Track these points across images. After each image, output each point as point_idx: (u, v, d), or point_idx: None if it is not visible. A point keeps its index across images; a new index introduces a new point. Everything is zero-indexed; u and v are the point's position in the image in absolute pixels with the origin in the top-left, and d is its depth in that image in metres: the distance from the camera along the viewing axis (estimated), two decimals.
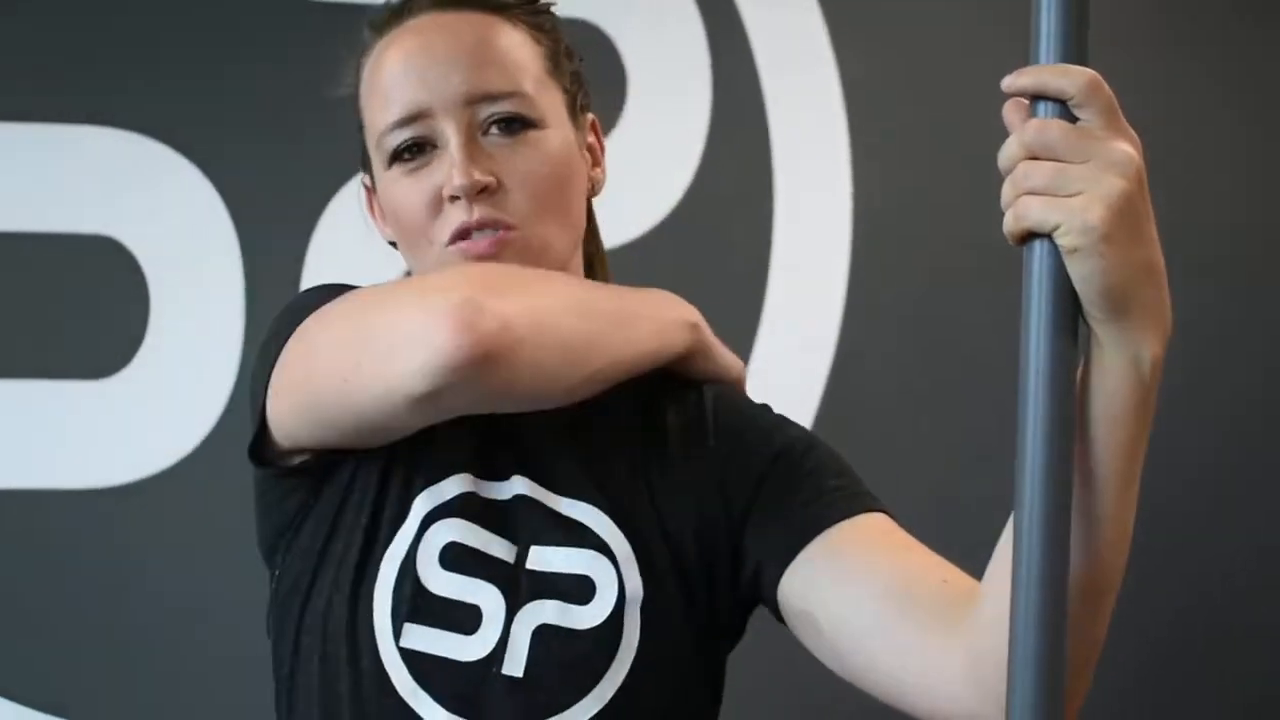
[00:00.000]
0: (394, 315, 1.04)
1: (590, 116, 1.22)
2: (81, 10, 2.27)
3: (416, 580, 1.09)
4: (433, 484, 1.11)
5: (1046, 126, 0.85)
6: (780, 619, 1.13)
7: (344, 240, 2.27)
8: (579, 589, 1.10)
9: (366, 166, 1.22)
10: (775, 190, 2.35)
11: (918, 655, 1.02)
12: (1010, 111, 0.87)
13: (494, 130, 1.13)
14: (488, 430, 1.13)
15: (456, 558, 1.09)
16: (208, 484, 2.23)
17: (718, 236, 2.32)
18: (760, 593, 1.14)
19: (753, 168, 2.36)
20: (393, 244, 1.21)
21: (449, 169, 1.11)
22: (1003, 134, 0.87)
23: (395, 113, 1.13)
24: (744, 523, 1.13)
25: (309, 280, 2.26)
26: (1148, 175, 0.87)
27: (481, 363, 1.00)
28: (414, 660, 1.08)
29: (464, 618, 1.09)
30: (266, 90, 2.28)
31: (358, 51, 1.20)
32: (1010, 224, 0.86)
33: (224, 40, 2.29)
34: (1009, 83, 0.87)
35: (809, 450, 1.16)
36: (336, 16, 2.27)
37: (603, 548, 1.11)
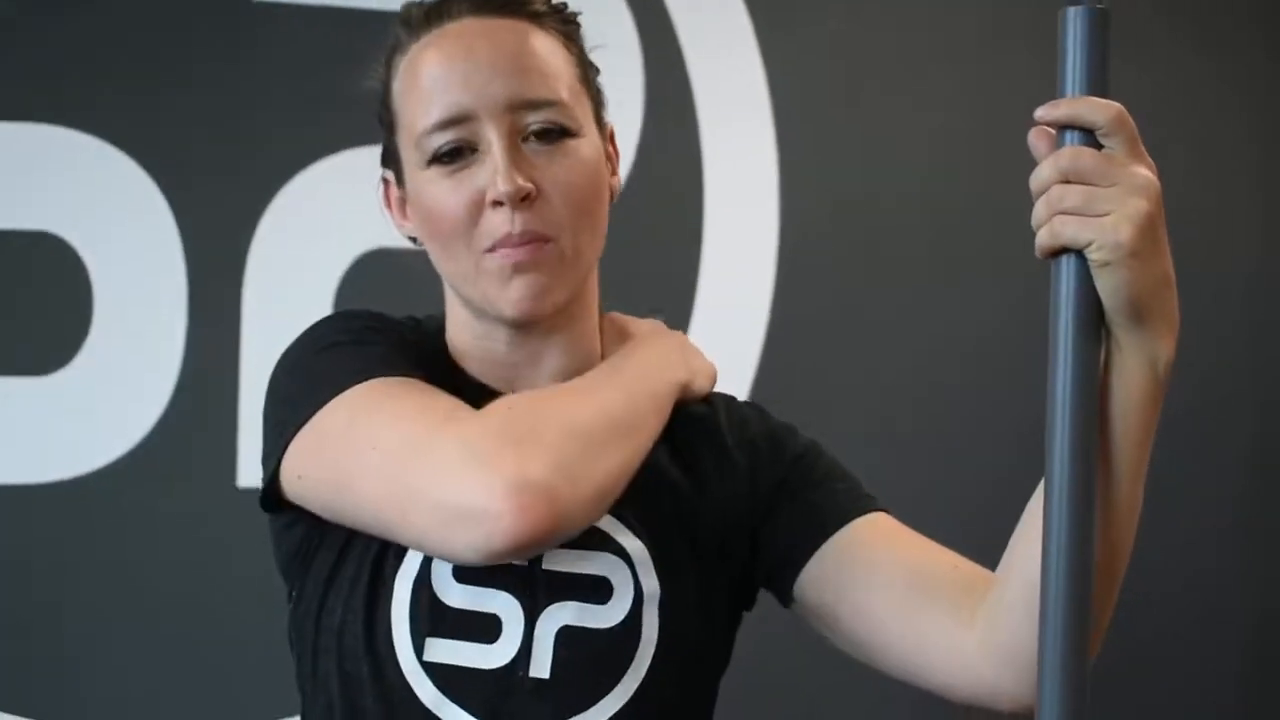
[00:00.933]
0: (443, 480, 1.04)
1: (610, 125, 1.23)
2: (22, 8, 2.26)
3: (433, 595, 1.12)
4: None
5: (1080, 154, 0.93)
6: (786, 606, 1.22)
7: (286, 237, 2.28)
8: (596, 589, 1.14)
9: (388, 162, 1.21)
10: (705, 188, 2.40)
11: (938, 635, 1.12)
12: (1037, 138, 0.96)
13: (533, 138, 1.13)
14: None
15: (470, 570, 1.12)
16: (151, 480, 2.23)
17: (650, 234, 2.35)
18: (775, 584, 1.21)
19: (683, 166, 2.40)
20: (413, 239, 1.21)
21: (492, 174, 1.11)
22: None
23: (437, 114, 1.12)
24: (764, 523, 1.21)
25: (252, 277, 2.27)
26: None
27: (534, 542, 1.03)
28: (438, 673, 1.11)
29: (483, 627, 1.12)
30: (209, 87, 2.28)
31: (388, 47, 1.19)
32: (1045, 240, 0.95)
33: (166, 37, 2.28)
34: (1043, 113, 0.95)
35: (818, 457, 1.24)
36: (278, 16, 2.28)
37: (618, 550, 1.15)
